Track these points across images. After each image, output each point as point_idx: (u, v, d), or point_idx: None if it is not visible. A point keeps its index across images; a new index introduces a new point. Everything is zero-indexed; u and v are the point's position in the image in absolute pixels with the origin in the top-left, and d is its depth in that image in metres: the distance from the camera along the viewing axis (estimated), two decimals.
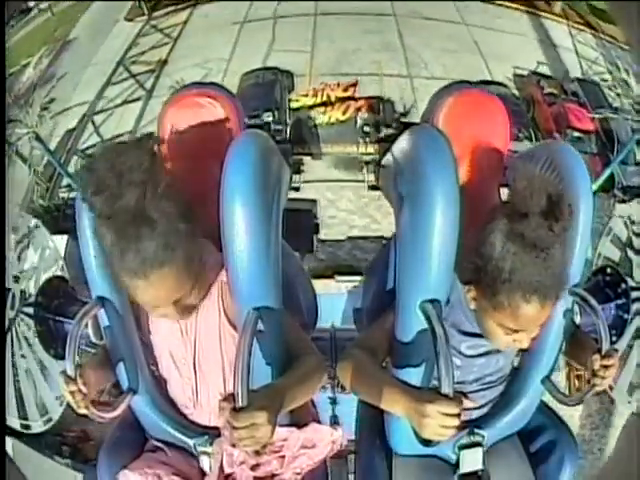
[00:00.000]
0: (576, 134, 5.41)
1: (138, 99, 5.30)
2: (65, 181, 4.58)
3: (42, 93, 5.02)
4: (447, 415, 0.95)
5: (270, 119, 5.04)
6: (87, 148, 4.97)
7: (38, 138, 4.11)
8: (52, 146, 4.70)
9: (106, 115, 5.30)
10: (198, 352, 1.18)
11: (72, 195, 4.64)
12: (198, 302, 1.11)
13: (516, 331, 1.08)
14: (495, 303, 1.05)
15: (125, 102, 5.26)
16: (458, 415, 0.95)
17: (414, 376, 1.16)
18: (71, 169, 4.75)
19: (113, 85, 5.37)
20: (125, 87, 5.33)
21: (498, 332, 1.10)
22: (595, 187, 4.94)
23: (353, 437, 1.48)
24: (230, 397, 0.93)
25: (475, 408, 1.29)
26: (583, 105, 5.36)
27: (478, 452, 1.26)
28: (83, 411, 1.07)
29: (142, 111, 5.21)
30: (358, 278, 3.14)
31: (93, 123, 5.17)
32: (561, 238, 1.01)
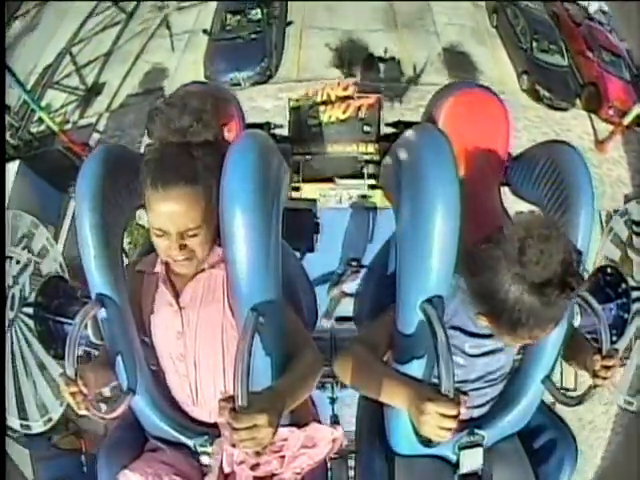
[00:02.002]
0: (609, 56, 5.34)
1: (118, 23, 5.39)
2: (37, 116, 4.70)
3: (27, 41, 5.13)
4: (445, 416, 0.95)
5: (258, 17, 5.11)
6: (62, 79, 5.07)
7: (9, 70, 4.15)
8: (31, 83, 4.82)
9: (83, 44, 5.39)
10: (198, 346, 1.18)
11: (42, 128, 4.72)
12: (200, 251, 1.13)
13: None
14: (514, 335, 1.08)
15: (105, 27, 5.40)
16: (456, 417, 0.95)
17: (415, 373, 1.16)
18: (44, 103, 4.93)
19: (95, 16, 5.51)
20: (106, 15, 5.50)
21: (512, 344, 1.16)
22: (629, 120, 4.84)
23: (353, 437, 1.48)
24: (230, 398, 0.93)
25: (476, 407, 1.29)
26: (610, 32, 5.32)
27: (478, 452, 1.26)
28: (83, 412, 1.07)
29: (120, 32, 5.34)
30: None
31: (71, 54, 5.25)
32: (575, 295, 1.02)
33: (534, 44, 5.51)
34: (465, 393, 1.00)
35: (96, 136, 5.05)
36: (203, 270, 1.18)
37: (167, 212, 1.08)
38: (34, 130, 4.80)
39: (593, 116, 5.39)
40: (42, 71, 5.26)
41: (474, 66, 5.57)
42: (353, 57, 5.43)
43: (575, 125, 5.39)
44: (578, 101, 5.46)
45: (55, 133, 4.72)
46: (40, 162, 4.55)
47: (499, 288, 1.02)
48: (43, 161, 4.56)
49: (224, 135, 1.21)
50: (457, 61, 5.56)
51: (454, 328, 1.16)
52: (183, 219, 1.08)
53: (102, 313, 1.15)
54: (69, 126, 5.04)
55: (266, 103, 5.10)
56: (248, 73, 5.28)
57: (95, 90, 5.32)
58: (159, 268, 1.22)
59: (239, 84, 5.27)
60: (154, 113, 1.11)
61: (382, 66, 5.43)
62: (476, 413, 1.30)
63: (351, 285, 3.93)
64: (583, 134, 5.33)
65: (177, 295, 1.20)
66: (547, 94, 5.35)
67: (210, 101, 1.15)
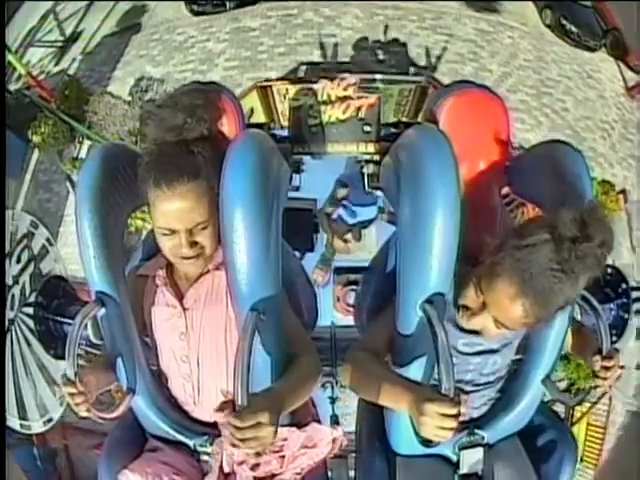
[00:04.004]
0: None
1: None
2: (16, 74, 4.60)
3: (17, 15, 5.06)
4: (445, 416, 0.95)
5: None
6: (44, 36, 5.00)
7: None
8: (16, 44, 4.74)
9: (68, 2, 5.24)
10: (202, 347, 1.19)
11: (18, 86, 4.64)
12: (210, 246, 1.13)
13: (504, 324, 1.09)
14: (497, 289, 1.05)
15: None
16: (456, 416, 0.95)
17: (414, 374, 1.16)
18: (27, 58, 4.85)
19: None
20: None
21: (489, 325, 1.11)
22: None
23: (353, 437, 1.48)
24: (231, 400, 0.94)
25: (474, 408, 1.29)
26: None
27: (478, 452, 1.26)
28: (84, 413, 1.07)
29: None
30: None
31: (54, 13, 5.17)
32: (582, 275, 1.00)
33: None
34: (465, 392, 1.00)
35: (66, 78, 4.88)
36: (207, 272, 1.18)
37: (174, 210, 1.08)
38: (12, 88, 4.70)
39: (620, 63, 5.20)
40: (26, 33, 5.17)
41: None
42: None
43: (604, 68, 5.23)
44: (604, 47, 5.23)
45: (22, 75, 4.60)
46: (8, 111, 4.34)
47: (532, 231, 1.01)
48: (10, 110, 4.37)
49: (220, 129, 1.21)
50: None
51: (447, 321, 1.16)
52: (191, 215, 1.09)
53: (102, 313, 1.15)
54: (43, 76, 4.91)
55: (253, 22, 4.92)
56: None
57: (72, 38, 5.19)
58: (161, 271, 1.22)
59: (223, 4, 4.96)
60: (146, 116, 1.11)
61: None
62: (475, 414, 1.30)
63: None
64: (613, 78, 5.19)
65: (181, 297, 1.20)
66: (574, 29, 5.11)
67: (201, 96, 1.15)
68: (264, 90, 3.22)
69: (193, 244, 1.11)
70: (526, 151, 1.35)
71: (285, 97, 3.06)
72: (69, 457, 4.25)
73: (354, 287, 3.95)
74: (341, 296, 4.03)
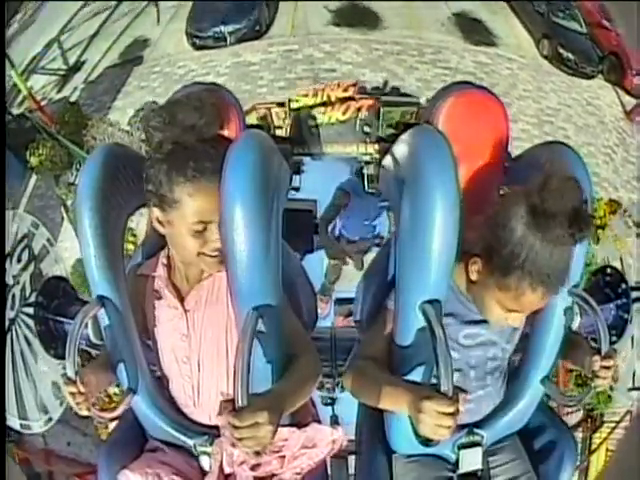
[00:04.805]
0: None
1: (108, 8, 5.34)
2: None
3: (21, 38, 5.11)
4: (443, 414, 0.95)
5: None
6: (48, 64, 5.07)
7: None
8: (20, 70, 4.79)
9: (72, 31, 5.36)
10: (203, 348, 1.19)
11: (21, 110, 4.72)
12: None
13: (512, 311, 1.11)
14: (501, 284, 1.08)
15: (95, 14, 5.34)
16: (454, 415, 0.96)
17: (413, 375, 1.16)
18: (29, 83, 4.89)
19: (87, 6, 5.44)
20: (97, 4, 5.41)
21: (495, 308, 1.13)
22: None
23: (353, 437, 1.48)
24: (231, 400, 0.94)
25: (476, 412, 1.29)
26: None
27: (477, 452, 1.26)
28: (84, 413, 1.08)
29: (109, 15, 5.26)
30: None
31: (59, 41, 5.24)
32: (577, 244, 1.03)
33: (551, 8, 5.33)
34: (464, 391, 1.01)
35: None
36: (209, 275, 1.18)
37: (213, 202, 1.06)
38: (14, 112, 4.77)
39: (617, 89, 5.28)
40: (30, 60, 5.25)
41: (489, 32, 5.46)
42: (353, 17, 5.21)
43: (602, 94, 5.31)
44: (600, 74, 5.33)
45: (25, 99, 4.67)
46: (8, 133, 4.43)
47: (511, 216, 1.04)
48: (10, 132, 4.44)
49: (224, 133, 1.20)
50: (471, 27, 5.43)
51: (447, 315, 1.17)
52: (207, 211, 1.07)
53: (102, 313, 1.15)
54: (45, 102, 4.97)
55: (253, 57, 4.92)
56: (235, 26, 4.88)
57: (75, 68, 5.26)
58: (162, 272, 1.22)
59: (224, 39, 4.95)
60: (151, 117, 1.08)
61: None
62: (476, 418, 1.30)
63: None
64: (612, 103, 5.27)
65: (182, 299, 1.20)
66: (571, 56, 5.19)
67: (210, 95, 1.14)
68: (262, 112, 3.18)
69: (212, 240, 1.10)
70: (525, 152, 1.35)
71: (284, 122, 3.04)
72: None
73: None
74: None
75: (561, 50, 5.21)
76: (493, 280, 1.09)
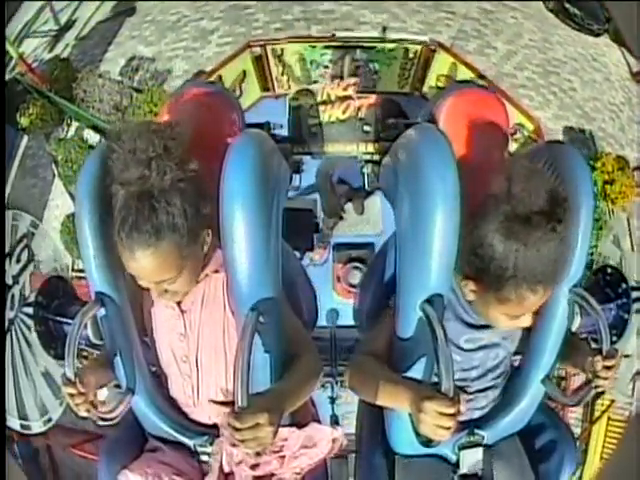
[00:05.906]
0: None
1: None
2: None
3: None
4: (443, 414, 0.95)
5: None
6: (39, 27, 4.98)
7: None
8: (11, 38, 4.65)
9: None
10: (201, 348, 1.19)
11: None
12: (184, 290, 1.12)
13: (519, 315, 1.10)
14: (500, 297, 1.06)
15: None
16: (455, 415, 0.95)
17: (414, 374, 1.16)
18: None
19: None
20: None
21: (501, 319, 1.12)
22: None
23: (353, 437, 1.48)
24: (231, 401, 0.94)
25: (477, 408, 1.29)
26: None
27: (478, 452, 1.26)
28: (83, 413, 1.07)
29: None
30: None
31: (50, 6, 5.12)
32: (562, 234, 1.01)
33: None
34: (465, 391, 1.01)
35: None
36: (206, 276, 1.17)
37: (137, 268, 1.03)
38: (6, 77, 4.69)
39: (624, 50, 5.15)
40: (22, 27, 5.13)
41: None
42: None
43: (609, 53, 5.21)
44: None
45: (16, 65, 4.56)
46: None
47: (486, 232, 1.02)
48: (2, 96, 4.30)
49: (219, 132, 1.17)
50: None
51: (448, 319, 1.16)
52: (154, 274, 1.04)
53: (102, 312, 1.15)
54: (36, 64, 4.85)
55: None
56: None
57: (67, 27, 5.14)
58: None
59: None
60: (110, 155, 1.02)
61: None
62: (477, 414, 1.30)
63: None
64: (618, 62, 5.18)
65: (179, 300, 1.20)
66: (578, 12, 5.10)
67: (160, 143, 1.00)
68: (257, 50, 2.97)
69: (164, 292, 1.09)
70: (526, 152, 1.35)
71: (280, 59, 2.89)
72: (52, 457, 4.17)
73: (356, 265, 3.58)
74: (342, 275, 3.61)
75: (567, 5, 5.12)
76: (492, 296, 1.08)
